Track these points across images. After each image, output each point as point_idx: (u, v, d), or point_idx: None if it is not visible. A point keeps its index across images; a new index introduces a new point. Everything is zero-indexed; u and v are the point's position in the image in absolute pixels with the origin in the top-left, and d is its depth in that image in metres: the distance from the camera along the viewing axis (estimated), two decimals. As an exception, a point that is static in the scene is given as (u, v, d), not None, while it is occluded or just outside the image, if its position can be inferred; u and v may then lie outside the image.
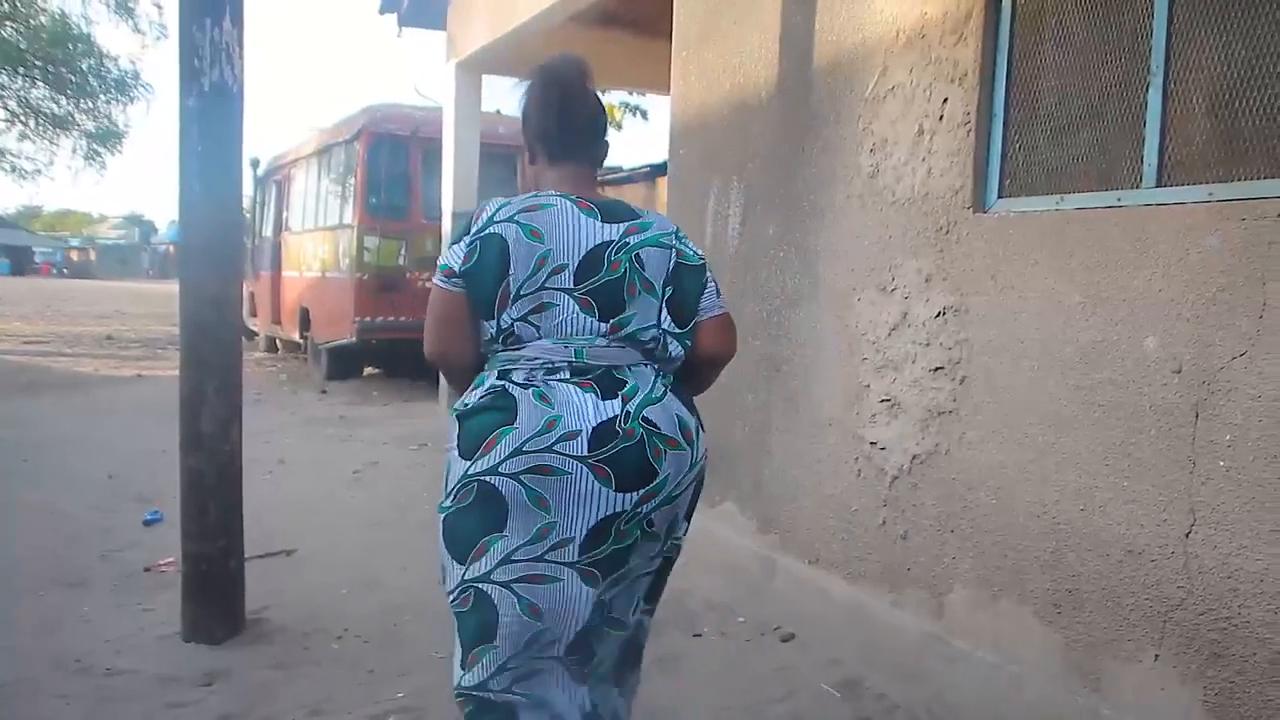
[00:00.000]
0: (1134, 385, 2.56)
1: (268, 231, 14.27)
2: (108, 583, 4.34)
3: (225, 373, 3.60)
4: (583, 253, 2.13)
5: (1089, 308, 2.67)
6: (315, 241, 11.83)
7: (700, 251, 2.33)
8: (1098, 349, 2.65)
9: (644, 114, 20.24)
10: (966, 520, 3.06)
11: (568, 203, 2.17)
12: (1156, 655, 2.49)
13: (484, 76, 8.47)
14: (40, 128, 17.54)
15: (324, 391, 10.89)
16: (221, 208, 3.55)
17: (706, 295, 2.33)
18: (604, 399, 2.07)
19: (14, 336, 16.97)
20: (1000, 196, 3.06)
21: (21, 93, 17.47)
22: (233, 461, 3.66)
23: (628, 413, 2.07)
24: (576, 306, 2.12)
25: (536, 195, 2.20)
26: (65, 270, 72.61)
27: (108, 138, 18.37)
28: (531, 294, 2.10)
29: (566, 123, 2.26)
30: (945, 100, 3.16)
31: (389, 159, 10.24)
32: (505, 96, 10.94)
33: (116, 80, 18.08)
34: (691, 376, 2.37)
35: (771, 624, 3.89)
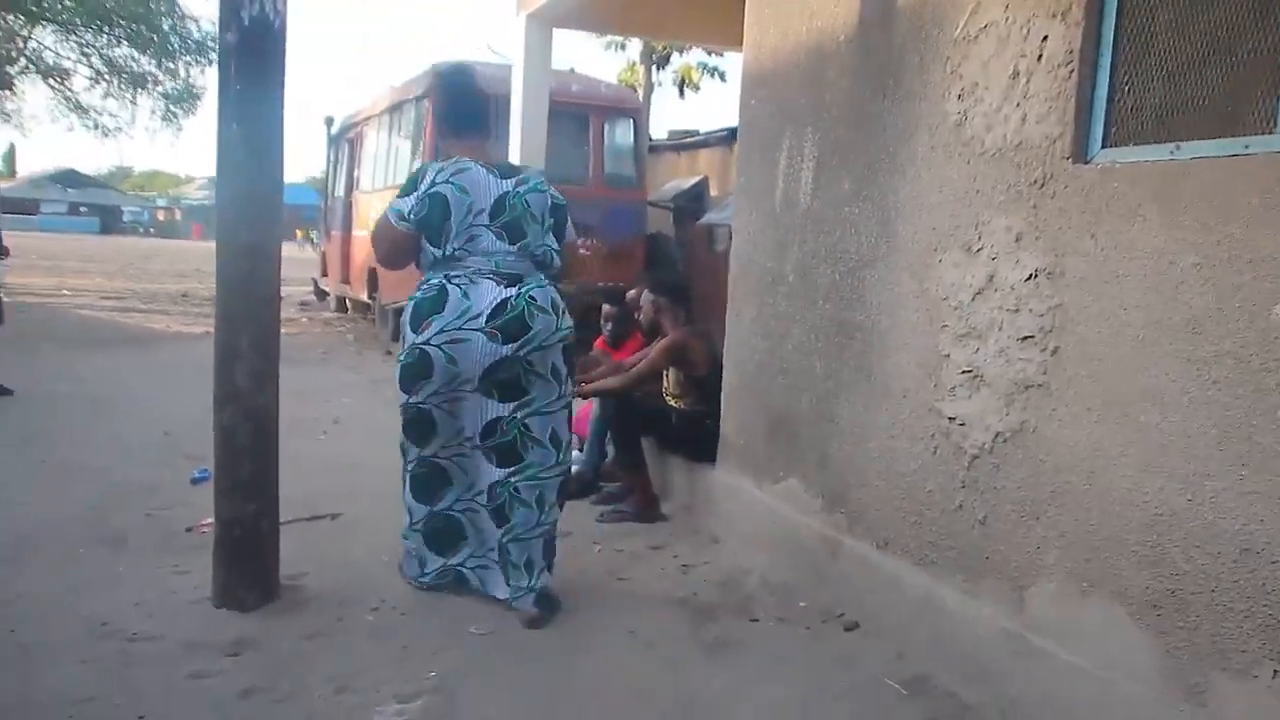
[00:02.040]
0: (1257, 359, 2.23)
1: (340, 191, 14.22)
2: (148, 543, 4.21)
3: (259, 327, 3.41)
4: (492, 200, 3.39)
5: (1206, 270, 2.34)
6: (384, 200, 11.66)
7: (561, 194, 3.61)
8: (1215, 317, 2.32)
9: (722, 75, 19.90)
10: (1055, 506, 2.75)
11: (479, 166, 3.43)
12: (1276, 671, 2.17)
13: (555, 31, 8.19)
14: (122, 86, 17.72)
15: (389, 353, 10.79)
16: (259, 152, 3.34)
17: (568, 225, 3.65)
18: (507, 287, 3.36)
19: (93, 292, 17.25)
20: (1104, 145, 2.71)
21: (105, 50, 17.64)
22: (267, 418, 3.48)
23: (518, 293, 3.36)
24: (493, 235, 3.38)
25: (458, 162, 3.43)
26: (152, 230, 74.13)
27: (184, 98, 18.48)
28: (464, 230, 3.36)
29: (468, 111, 3.64)
30: (1045, 38, 2.82)
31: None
32: (580, 52, 10.63)
33: (197, 41, 18.16)
34: (557, 275, 3.59)
35: (834, 610, 3.62)
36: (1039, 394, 2.81)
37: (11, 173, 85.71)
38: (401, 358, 3.43)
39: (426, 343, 3.32)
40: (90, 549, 4.10)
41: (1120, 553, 2.55)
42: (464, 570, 3.67)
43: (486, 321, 3.29)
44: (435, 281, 3.37)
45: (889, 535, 3.44)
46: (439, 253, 3.37)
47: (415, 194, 3.39)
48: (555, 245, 3.53)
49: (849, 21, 3.72)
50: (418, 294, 3.41)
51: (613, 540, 4.49)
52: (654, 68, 20.69)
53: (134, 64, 17.73)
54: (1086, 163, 2.72)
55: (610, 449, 5.16)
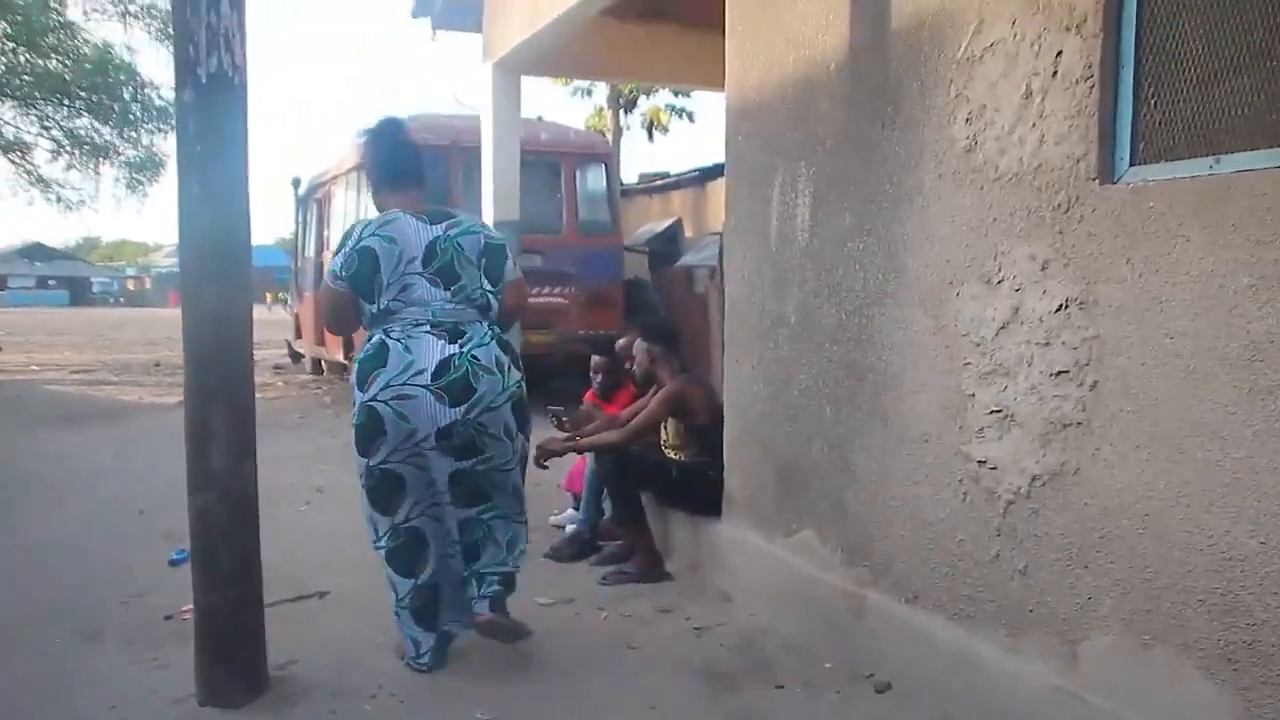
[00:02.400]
0: (1329, 386, 2.04)
1: (310, 252, 13.99)
2: (124, 633, 3.94)
3: (234, 402, 3.18)
4: (423, 246, 3.32)
5: (1263, 292, 2.16)
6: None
7: (498, 233, 3.63)
8: (1278, 342, 2.13)
9: (690, 116, 19.85)
10: (1106, 553, 2.55)
11: (408, 215, 3.38)
12: (1382, 730, 1.96)
13: (523, 79, 8.06)
14: (84, 157, 17.47)
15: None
16: (224, 214, 3.13)
17: (508, 265, 3.52)
18: (449, 343, 3.28)
19: (62, 366, 16.87)
20: (1133, 163, 2.54)
21: (65, 122, 17.41)
22: (246, 500, 3.24)
23: (460, 352, 3.27)
24: (427, 283, 3.32)
25: (386, 215, 3.41)
26: (122, 299, 73.69)
27: (148, 166, 18.24)
28: (397, 280, 3.30)
29: (401, 163, 3.56)
30: (1059, 53, 2.66)
31: (428, 170, 9.83)
32: (546, 99, 10.47)
33: (159, 108, 17.94)
34: (503, 319, 3.53)
35: (862, 671, 3.39)
36: (1078, 433, 2.61)
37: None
38: (354, 420, 3.36)
39: (374, 399, 3.26)
40: (62, 643, 3.83)
41: (1186, 601, 2.34)
42: (446, 629, 3.60)
43: (432, 379, 3.24)
44: (375, 339, 3.33)
45: (918, 588, 3.22)
46: (374, 307, 3.33)
47: (344, 251, 3.38)
48: (491, 288, 3.44)
49: (838, 49, 3.56)
50: (359, 354, 3.38)
51: (618, 604, 4.25)
52: (621, 111, 20.70)
53: (95, 135, 17.50)
54: (1115, 183, 2.55)
55: (607, 506, 4.93)
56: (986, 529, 2.93)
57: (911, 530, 3.24)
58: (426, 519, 3.44)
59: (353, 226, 3.45)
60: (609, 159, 11.07)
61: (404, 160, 3.58)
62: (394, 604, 3.53)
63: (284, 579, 4.40)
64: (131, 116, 17.60)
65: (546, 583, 4.55)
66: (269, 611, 3.45)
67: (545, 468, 4.78)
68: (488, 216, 8.02)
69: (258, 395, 11.44)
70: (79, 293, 71.23)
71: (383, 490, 3.39)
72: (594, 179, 10.93)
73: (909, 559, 3.25)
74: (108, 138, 17.76)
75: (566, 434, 4.96)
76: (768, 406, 4.02)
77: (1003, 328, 2.84)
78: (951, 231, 3.03)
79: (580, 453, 4.76)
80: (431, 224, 3.39)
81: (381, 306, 3.31)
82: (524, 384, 3.48)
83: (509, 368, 3.39)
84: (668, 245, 13.10)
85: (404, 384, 3.23)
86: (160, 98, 17.71)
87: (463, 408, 3.25)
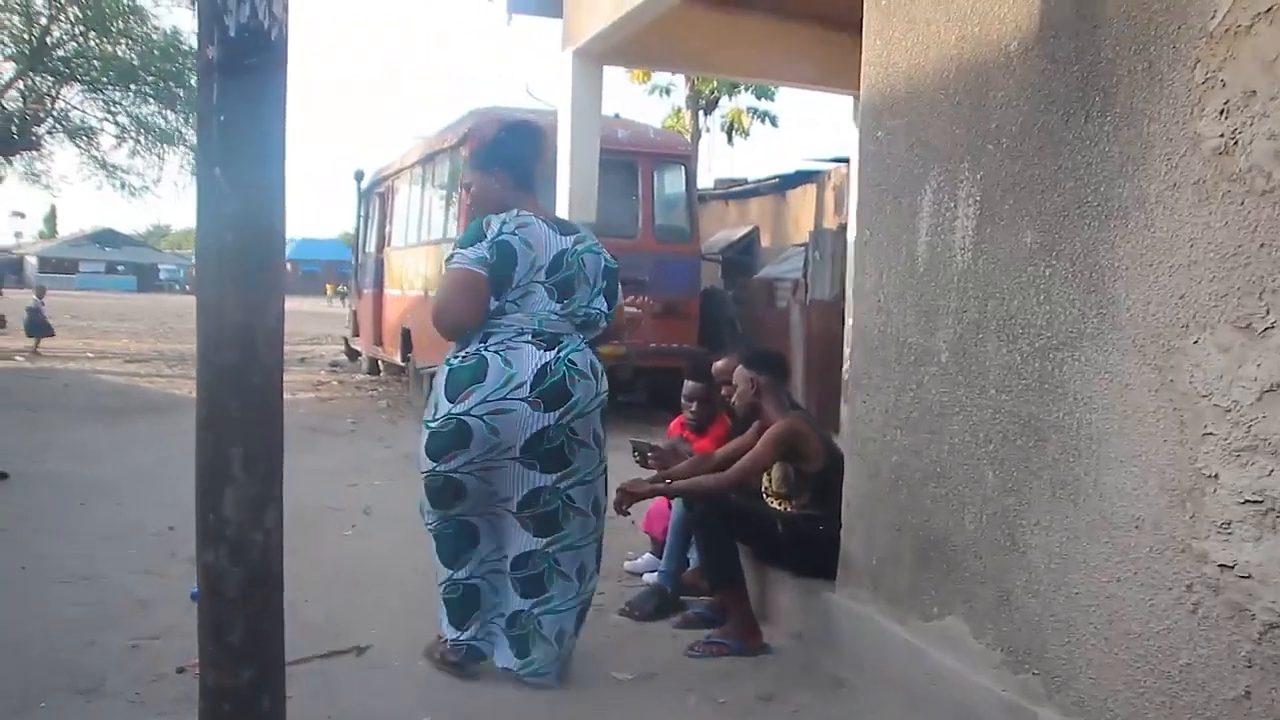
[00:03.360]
0: None
1: (371, 248, 13.50)
2: (128, 687, 3.35)
3: (258, 435, 2.53)
4: (551, 256, 3.29)
5: None
6: (418, 257, 10.94)
7: (614, 257, 3.53)
8: None
9: (773, 120, 19.01)
10: None
11: (540, 221, 3.34)
12: None
13: (605, 69, 7.43)
14: (149, 143, 17.16)
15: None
16: (254, 203, 2.48)
17: (619, 290, 3.55)
18: (546, 350, 3.26)
19: (117, 355, 16.59)
20: None
21: (131, 108, 17.14)
22: (267, 561, 2.58)
23: (556, 357, 3.26)
24: (544, 293, 3.28)
25: (520, 215, 3.31)
26: (188, 287, 74.73)
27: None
28: (524, 284, 3.26)
29: (540, 165, 3.54)
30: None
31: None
32: (621, 97, 9.77)
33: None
34: (599, 340, 3.50)
35: (1032, 812, 2.67)
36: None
37: (53, 233, 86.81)
38: (433, 425, 3.27)
39: (466, 413, 3.18)
40: (55, 697, 3.25)
41: None
42: (476, 644, 3.49)
43: (531, 390, 3.19)
44: (473, 349, 3.25)
45: (1115, 715, 2.49)
46: (493, 304, 3.26)
47: (483, 242, 3.25)
48: (605, 309, 3.44)
49: (1024, 25, 2.84)
50: (454, 361, 3.29)
51: (710, 684, 3.55)
52: (701, 112, 19.88)
53: (161, 120, 17.18)
54: None
55: (692, 556, 4.26)
56: (1231, 656, 2.19)
57: (1107, 640, 2.51)
58: (483, 519, 3.37)
59: (482, 219, 3.33)
60: (689, 161, 10.41)
61: (539, 164, 3.55)
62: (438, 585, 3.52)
63: (315, 626, 3.82)
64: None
65: (622, 648, 3.90)
66: (293, 670, 2.83)
67: (626, 513, 4.12)
68: (562, 217, 7.40)
69: (311, 394, 10.96)
70: (147, 279, 72.29)
71: (444, 493, 3.33)
72: (673, 182, 10.28)
73: (1103, 677, 2.52)
74: (173, 124, 17.45)
75: (654, 473, 4.29)
76: (906, 460, 3.30)
77: (1269, 391, 2.11)
78: (1191, 259, 2.31)
79: (671, 497, 4.07)
80: (561, 234, 3.37)
81: (499, 305, 3.25)
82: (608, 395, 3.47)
83: (601, 374, 3.40)
84: (743, 255, 12.44)
85: (503, 399, 3.19)
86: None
87: (557, 412, 3.22)
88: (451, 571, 3.42)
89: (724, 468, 4.16)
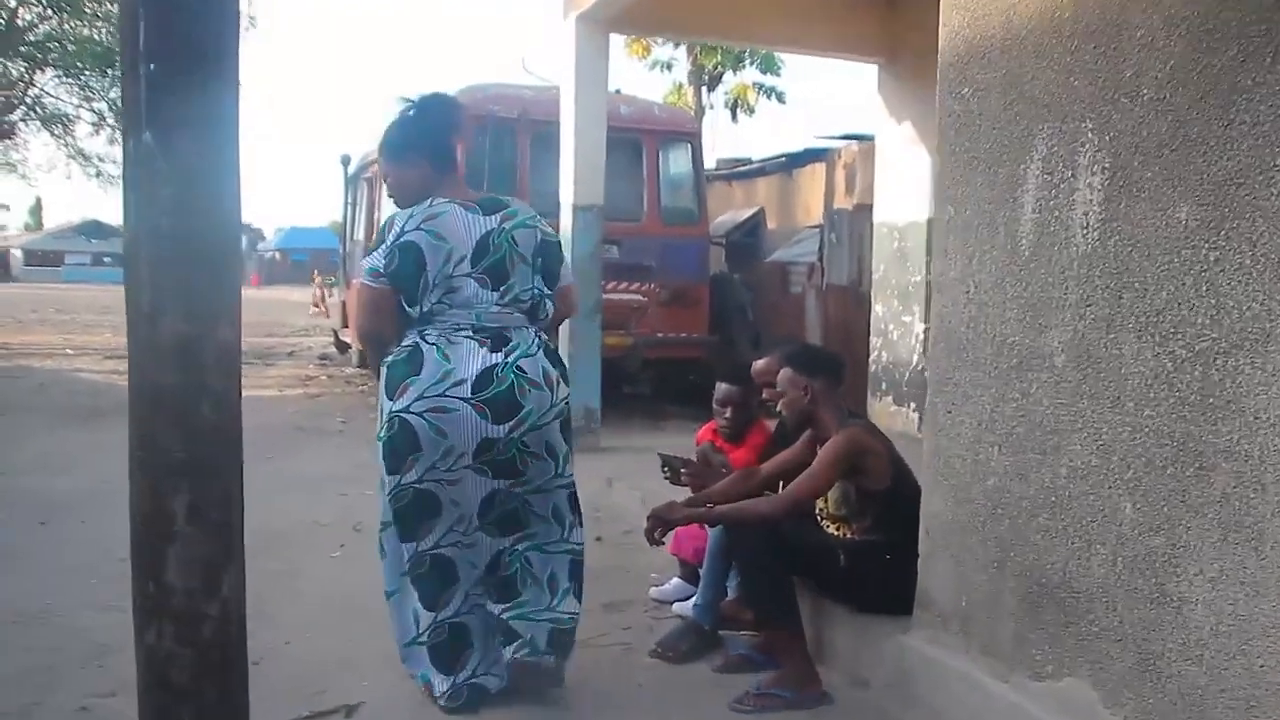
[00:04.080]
0: None
1: (359, 236, 12.86)
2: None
3: (209, 480, 1.94)
4: (474, 242, 3.01)
5: None
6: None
7: (553, 231, 3.28)
8: None
9: (780, 96, 18.27)
10: None
11: (456, 206, 3.03)
12: None
13: (610, 37, 6.83)
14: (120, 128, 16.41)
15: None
16: (198, 178, 1.88)
17: (564, 266, 3.26)
18: (492, 352, 2.97)
19: (97, 351, 15.91)
20: None
21: (108, 94, 16.39)
22: (227, 638, 2.01)
23: (504, 362, 2.97)
24: (475, 284, 3.00)
25: (431, 205, 3.03)
26: (175, 277, 73.98)
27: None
28: (443, 281, 2.98)
29: (450, 142, 3.18)
30: None
31: (493, 146, 8.62)
32: (618, 72, 9.04)
33: (206, 77, 16.85)
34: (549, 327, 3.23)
35: None
36: None
37: (39, 226, 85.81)
38: (381, 434, 3.01)
39: (406, 410, 2.92)
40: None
41: None
42: (478, 682, 3.17)
43: (473, 392, 2.93)
44: (408, 341, 3.01)
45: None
46: (414, 310, 3.00)
47: (384, 246, 3.01)
48: (546, 289, 3.16)
49: (1167, -54, 2.26)
50: (389, 356, 3.03)
51: (763, 747, 3.00)
52: (704, 89, 19.10)
53: (137, 104, 16.42)
54: None
55: (731, 584, 3.69)
56: None
57: (1309, 728, 1.95)
58: (457, 549, 3.09)
59: (392, 216, 3.10)
60: (696, 138, 9.78)
61: (451, 142, 3.21)
62: (401, 644, 3.22)
63: (296, 680, 3.31)
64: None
65: (658, 698, 3.34)
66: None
67: (661, 543, 3.55)
68: (566, 199, 6.82)
69: (299, 391, 10.24)
70: (134, 270, 71.48)
71: (415, 510, 3.02)
72: (679, 161, 9.67)
73: (1303, 775, 1.96)
74: (151, 108, 16.70)
75: (688, 492, 3.72)
76: (1007, 485, 2.73)
77: None
78: None
79: (713, 524, 3.51)
80: (484, 214, 3.07)
81: (424, 310, 3.00)
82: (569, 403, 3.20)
83: (557, 382, 3.11)
84: (748, 237, 11.85)
85: (441, 395, 2.92)
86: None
87: (507, 425, 2.96)
88: (435, 614, 3.11)
89: (770, 486, 3.60)
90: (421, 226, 2.97)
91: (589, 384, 7.01)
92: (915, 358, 6.93)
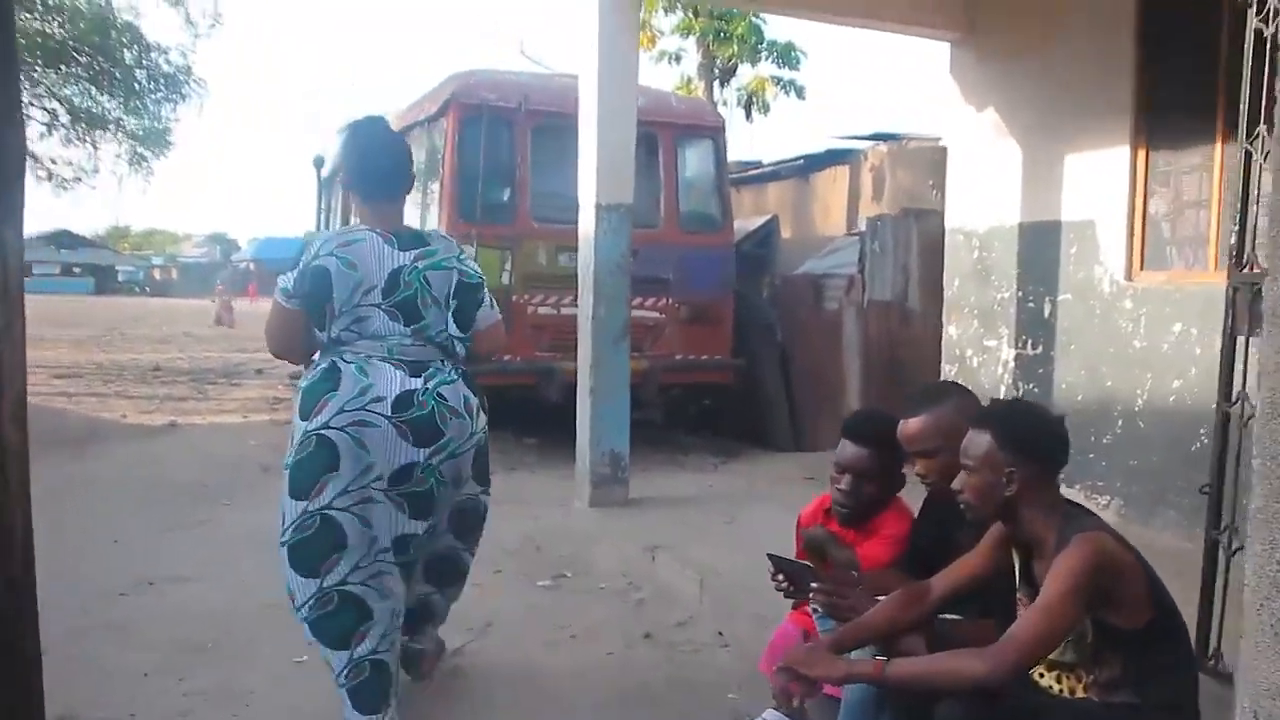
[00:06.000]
0: None
1: (334, 243, 11.65)
2: None
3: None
4: (385, 275, 2.97)
5: None
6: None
7: (478, 270, 3.20)
8: None
9: (799, 91, 17.03)
10: None
11: (375, 236, 3.01)
12: None
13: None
14: (79, 129, 15.10)
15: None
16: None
17: (482, 310, 3.17)
18: (411, 376, 2.94)
19: (49, 368, 14.58)
20: None
21: (59, 90, 15.09)
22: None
23: (425, 389, 2.93)
24: (386, 316, 2.97)
25: (349, 231, 3.12)
26: (147, 289, 72.54)
27: (153, 140, 15.83)
28: (350, 309, 2.95)
29: (378, 171, 3.13)
30: None
31: (489, 140, 7.43)
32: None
33: (168, 76, 15.60)
34: (472, 363, 3.20)
35: None
36: None
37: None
38: (290, 459, 2.92)
39: (325, 425, 2.84)
40: None
41: None
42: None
43: (393, 410, 2.88)
44: (324, 364, 2.97)
45: None
46: (323, 336, 3.00)
47: (298, 268, 2.99)
48: (459, 334, 3.09)
49: None
50: (304, 380, 3.01)
51: None
52: (716, 83, 17.73)
53: (93, 103, 15.13)
54: None
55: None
56: None
57: None
58: (368, 588, 2.92)
59: (311, 239, 3.13)
60: (720, 134, 8.59)
61: (382, 168, 3.15)
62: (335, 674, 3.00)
63: None
64: (136, 84, 15.23)
65: None
66: None
67: (801, 707, 2.37)
68: (588, 198, 5.63)
69: (265, 417, 8.85)
70: (104, 281, 69.96)
71: (316, 543, 2.87)
72: (701, 160, 8.49)
73: None
74: (107, 108, 15.40)
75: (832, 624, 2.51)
76: None
77: None
78: None
79: (894, 688, 2.28)
80: (400, 249, 3.02)
81: (332, 336, 2.98)
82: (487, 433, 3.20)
83: (476, 411, 3.10)
84: (759, 248, 10.69)
85: (362, 409, 2.86)
86: (168, 63, 15.38)
87: (428, 450, 2.92)
88: (349, 652, 2.93)
89: (947, 604, 2.42)
90: (335, 252, 2.97)
91: (615, 423, 5.79)
92: (1002, 389, 5.78)
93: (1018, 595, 2.38)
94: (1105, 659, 2.21)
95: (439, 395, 2.94)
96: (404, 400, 2.88)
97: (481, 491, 3.28)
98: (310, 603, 2.89)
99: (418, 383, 2.92)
